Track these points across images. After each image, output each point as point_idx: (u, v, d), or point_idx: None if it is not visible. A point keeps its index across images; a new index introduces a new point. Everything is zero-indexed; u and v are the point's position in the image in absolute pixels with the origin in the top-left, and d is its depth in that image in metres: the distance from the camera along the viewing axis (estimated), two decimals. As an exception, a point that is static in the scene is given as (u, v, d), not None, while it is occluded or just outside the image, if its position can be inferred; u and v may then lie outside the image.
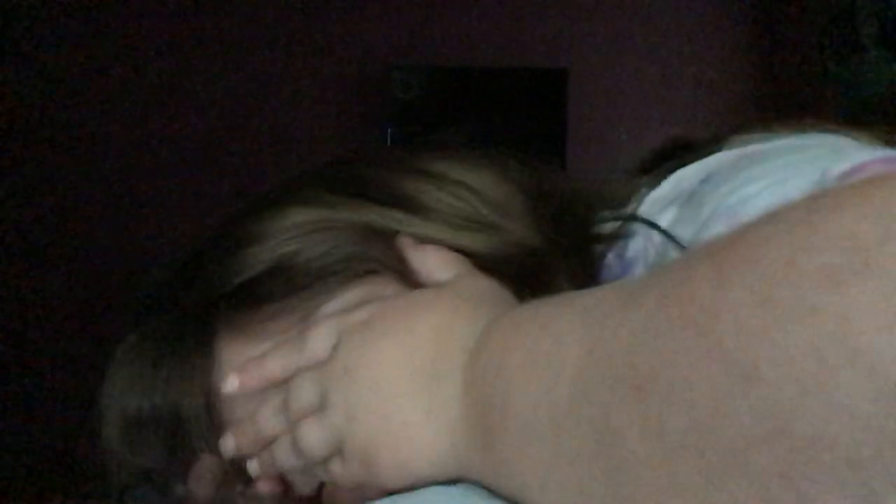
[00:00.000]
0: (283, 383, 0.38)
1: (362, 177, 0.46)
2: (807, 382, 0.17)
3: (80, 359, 1.94)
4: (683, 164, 0.42)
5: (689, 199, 0.40)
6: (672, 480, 0.20)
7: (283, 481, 0.41)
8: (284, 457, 0.37)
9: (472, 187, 0.45)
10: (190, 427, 0.41)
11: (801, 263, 0.18)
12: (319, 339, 0.37)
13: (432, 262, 0.41)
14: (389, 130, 2.47)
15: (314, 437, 0.35)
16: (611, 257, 0.44)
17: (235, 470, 0.41)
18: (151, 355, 0.42)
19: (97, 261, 2.40)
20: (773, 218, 0.21)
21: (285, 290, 0.41)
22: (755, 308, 0.19)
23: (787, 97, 2.45)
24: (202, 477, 0.42)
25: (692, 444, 0.20)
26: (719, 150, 0.43)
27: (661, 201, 0.42)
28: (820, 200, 0.20)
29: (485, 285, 0.39)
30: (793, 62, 2.41)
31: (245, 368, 0.40)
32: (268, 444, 0.39)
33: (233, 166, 2.45)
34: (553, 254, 0.44)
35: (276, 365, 0.39)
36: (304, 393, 0.36)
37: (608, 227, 0.45)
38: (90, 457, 0.43)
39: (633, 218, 0.43)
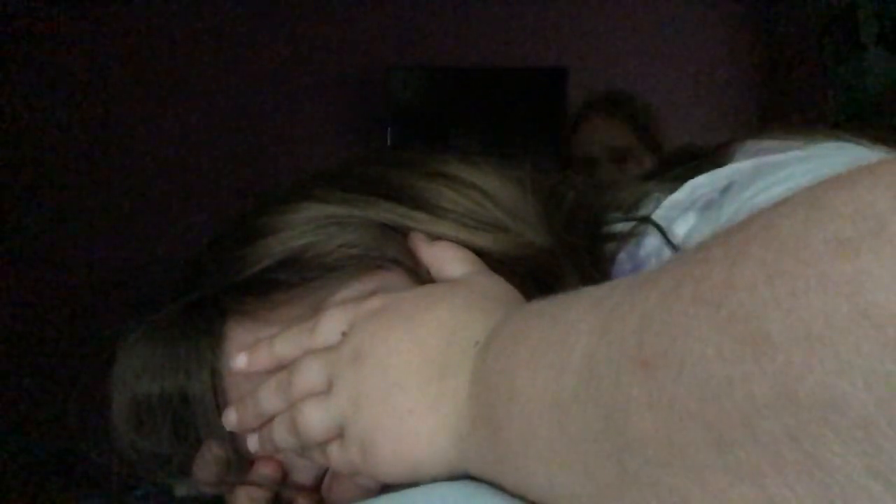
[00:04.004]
0: (290, 366, 0.39)
1: (377, 176, 0.46)
2: (816, 344, 0.18)
3: (80, 358, 1.94)
4: (697, 170, 0.43)
5: (709, 206, 0.40)
6: (680, 454, 0.20)
7: (283, 467, 0.42)
8: (282, 435, 0.38)
9: (485, 190, 0.46)
10: (197, 411, 0.41)
11: (812, 235, 0.19)
12: (331, 324, 0.38)
13: (444, 259, 0.42)
14: (389, 131, 2.46)
15: (315, 417, 0.35)
16: (622, 256, 0.45)
17: (239, 456, 0.41)
18: (162, 340, 0.42)
19: (97, 259, 2.40)
20: (785, 200, 0.21)
21: (297, 279, 0.42)
22: (767, 280, 0.19)
23: (787, 97, 2.45)
24: (207, 461, 0.42)
25: (701, 415, 0.20)
26: (732, 157, 0.43)
27: (678, 206, 0.42)
28: (830, 180, 0.20)
29: (497, 284, 0.40)
30: (793, 62, 2.41)
31: (255, 348, 0.40)
32: (268, 420, 0.39)
33: (232, 167, 2.45)
34: (564, 254, 0.44)
35: (285, 346, 0.39)
36: (310, 374, 0.36)
37: (620, 227, 0.45)
38: (92, 454, 0.43)
39: (646, 220, 0.43)
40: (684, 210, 0.42)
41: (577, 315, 0.27)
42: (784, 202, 0.21)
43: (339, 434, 0.35)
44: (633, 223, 0.44)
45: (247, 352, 0.40)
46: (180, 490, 0.44)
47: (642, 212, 0.45)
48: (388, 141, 2.45)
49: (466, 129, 2.45)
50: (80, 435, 0.45)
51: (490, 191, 0.46)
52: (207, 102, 2.50)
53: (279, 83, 2.52)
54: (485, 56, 2.53)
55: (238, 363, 0.40)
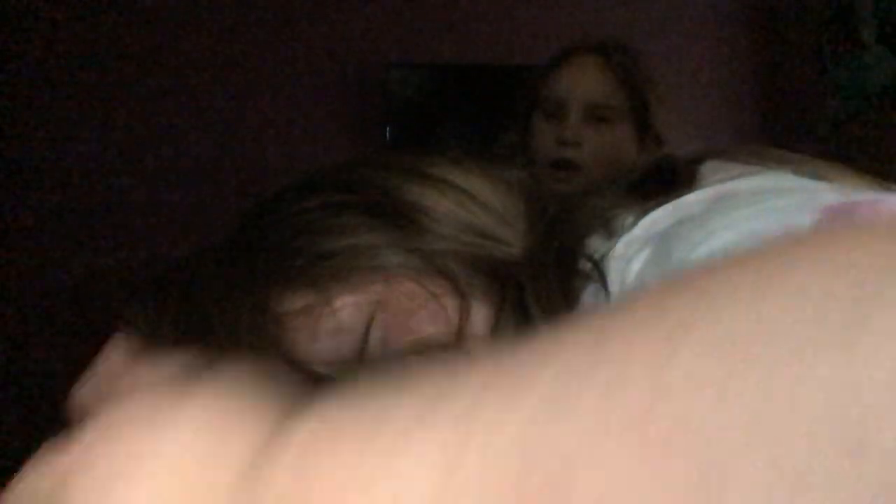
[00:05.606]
0: None
1: (368, 180, 0.46)
2: (798, 483, 0.14)
3: (80, 358, 1.93)
4: (666, 195, 0.41)
5: (663, 241, 0.39)
6: None
7: None
8: None
9: (474, 194, 0.45)
10: None
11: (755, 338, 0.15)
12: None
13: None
14: (388, 129, 2.46)
15: None
16: (590, 291, 0.42)
17: None
18: (162, 345, 0.42)
19: (97, 260, 2.40)
20: (723, 281, 0.17)
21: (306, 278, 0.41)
22: (717, 398, 0.15)
23: (787, 97, 2.45)
24: None
25: None
26: (697, 171, 0.42)
27: (635, 243, 0.41)
28: (766, 262, 0.17)
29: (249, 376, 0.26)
30: (793, 62, 2.41)
31: None
32: None
33: (231, 165, 2.44)
34: (533, 268, 0.43)
35: None
36: None
37: (581, 264, 0.43)
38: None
39: (596, 266, 0.41)
40: (641, 247, 0.40)
41: (406, 421, 0.19)
42: (717, 283, 0.17)
43: None
44: (590, 264, 0.42)
45: None
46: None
47: (612, 241, 0.43)
48: (387, 139, 2.45)
49: (466, 127, 2.45)
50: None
51: (480, 195, 0.45)
52: (206, 100, 2.49)
53: (278, 81, 2.51)
54: (485, 54, 2.53)
55: None
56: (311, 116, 2.51)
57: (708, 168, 0.43)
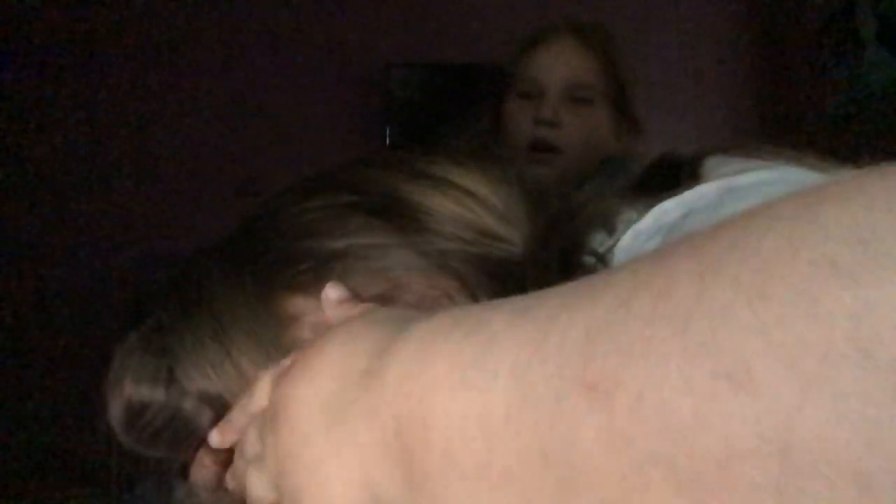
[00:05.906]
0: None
1: (366, 182, 0.46)
2: (810, 384, 0.15)
3: (79, 358, 1.93)
4: (671, 190, 0.41)
5: (672, 232, 0.39)
6: (638, 496, 0.18)
7: None
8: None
9: (475, 193, 0.45)
10: (196, 422, 0.41)
11: (802, 256, 0.16)
12: (260, 390, 0.37)
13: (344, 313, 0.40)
14: (388, 129, 2.46)
15: (256, 485, 0.34)
16: None
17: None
18: (160, 349, 0.42)
19: (97, 259, 2.40)
20: (764, 211, 0.19)
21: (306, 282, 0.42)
22: (748, 302, 0.17)
23: (786, 96, 2.45)
24: (204, 467, 0.42)
25: (665, 454, 0.17)
26: (701, 167, 0.42)
27: (643, 234, 0.41)
28: (817, 193, 0.18)
29: (394, 311, 0.36)
30: (793, 62, 2.41)
31: (224, 423, 0.40)
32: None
33: (231, 166, 2.44)
34: (535, 266, 0.43)
35: (240, 416, 0.39)
36: (250, 443, 0.36)
37: (585, 259, 0.43)
38: (91, 453, 0.43)
39: (601, 261, 0.42)
40: (649, 238, 0.40)
41: (499, 325, 0.23)
42: (756, 214, 0.19)
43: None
44: (594, 259, 0.43)
45: (218, 430, 0.40)
46: (180, 492, 0.44)
47: (615, 236, 0.43)
48: (387, 139, 2.45)
49: (467, 126, 2.45)
50: (79, 434, 0.45)
51: (480, 195, 0.45)
52: (206, 101, 2.49)
53: (278, 82, 2.51)
54: (485, 53, 2.53)
55: (213, 442, 0.40)
56: (312, 117, 2.51)
57: (711, 163, 0.43)
